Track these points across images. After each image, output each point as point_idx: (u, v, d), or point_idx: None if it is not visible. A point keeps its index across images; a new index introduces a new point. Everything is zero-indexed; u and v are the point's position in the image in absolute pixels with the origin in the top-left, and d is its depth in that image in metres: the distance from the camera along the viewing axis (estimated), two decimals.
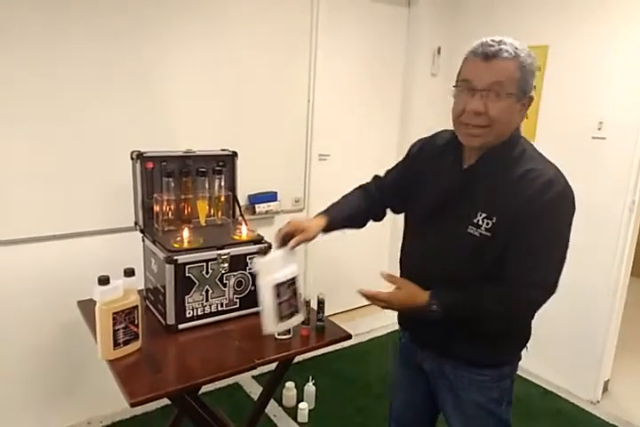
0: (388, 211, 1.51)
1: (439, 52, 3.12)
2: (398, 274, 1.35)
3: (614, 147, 2.39)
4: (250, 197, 2.48)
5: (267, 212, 2.52)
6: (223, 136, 2.22)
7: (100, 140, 2.04)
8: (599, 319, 2.51)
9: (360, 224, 1.49)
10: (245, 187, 2.46)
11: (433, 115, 2.93)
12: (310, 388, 2.47)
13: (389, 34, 3.07)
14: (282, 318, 1.33)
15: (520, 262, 1.16)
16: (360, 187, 1.54)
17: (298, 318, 1.41)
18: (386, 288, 1.25)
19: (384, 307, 1.23)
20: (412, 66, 3.13)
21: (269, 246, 1.62)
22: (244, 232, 1.66)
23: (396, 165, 1.49)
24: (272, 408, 2.45)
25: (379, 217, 1.51)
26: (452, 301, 1.19)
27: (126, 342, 1.39)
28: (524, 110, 1.17)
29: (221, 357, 1.45)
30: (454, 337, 1.28)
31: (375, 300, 1.22)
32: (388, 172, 1.51)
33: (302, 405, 2.38)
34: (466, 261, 1.21)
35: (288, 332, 1.49)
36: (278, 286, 1.30)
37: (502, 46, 1.10)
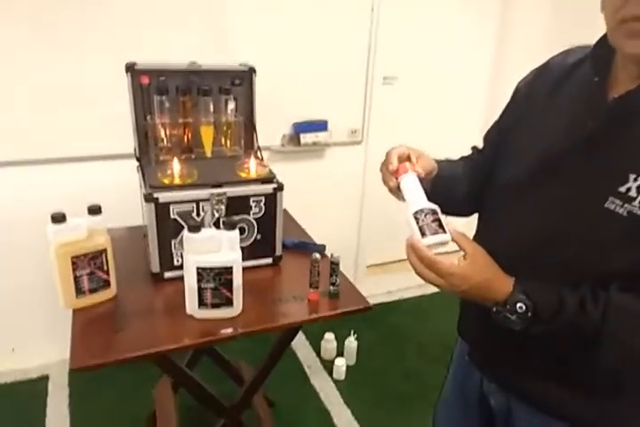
0: None
1: None
2: None
3: None
4: (295, 125, 2.13)
5: (314, 143, 2.16)
6: (260, 49, 1.83)
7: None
8: None
9: (466, 202, 1.02)
10: (292, 113, 2.12)
11: (544, 18, 2.24)
12: (351, 343, 2.22)
13: None
14: (202, 304, 1.15)
15: None
16: (468, 156, 1.08)
17: (228, 311, 1.17)
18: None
19: (437, 285, 0.76)
20: None
21: (280, 187, 1.30)
22: (252, 168, 1.34)
23: (496, 121, 0.99)
24: (308, 359, 2.26)
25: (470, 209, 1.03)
26: (553, 303, 0.72)
27: (93, 290, 1.19)
28: None
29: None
30: (539, 371, 0.83)
31: (427, 266, 0.75)
32: (487, 135, 1.01)
33: (339, 361, 2.15)
34: (596, 258, 0.73)
35: (440, 227, 0.81)
36: (200, 269, 1.10)
37: None
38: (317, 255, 1.22)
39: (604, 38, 0.75)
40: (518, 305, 0.72)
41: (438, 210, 0.79)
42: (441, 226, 0.76)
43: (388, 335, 2.45)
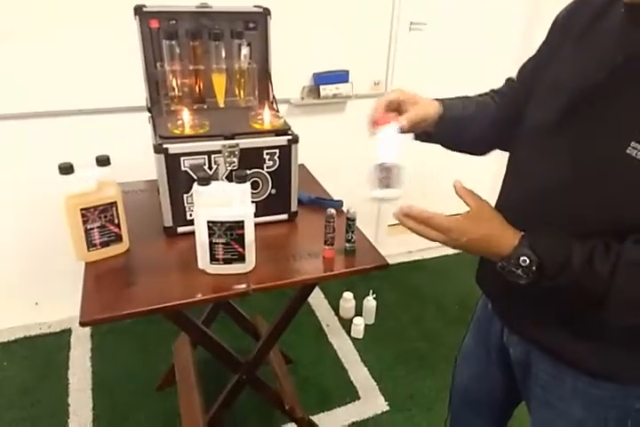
0: None
1: None
2: None
3: None
4: (315, 75, 2.02)
5: (334, 95, 2.05)
6: None
7: None
8: None
9: (480, 142, 0.98)
10: (311, 64, 2.01)
11: None
12: (370, 302, 2.20)
13: None
14: (214, 260, 1.11)
15: None
16: (488, 93, 1.00)
17: (240, 267, 1.13)
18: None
19: (438, 241, 0.76)
20: None
21: (295, 139, 1.23)
22: (266, 119, 1.27)
23: (532, 56, 0.91)
24: (327, 317, 2.25)
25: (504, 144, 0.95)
26: (561, 257, 0.69)
27: (105, 244, 1.16)
28: None
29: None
30: (558, 325, 0.81)
31: (425, 225, 0.75)
32: (522, 69, 0.94)
33: (357, 320, 2.13)
34: (613, 208, 0.70)
35: (392, 183, 0.84)
36: (211, 224, 1.06)
37: None
38: (332, 211, 1.16)
39: None
40: (522, 259, 0.70)
41: (401, 167, 0.80)
42: (398, 182, 0.79)
43: (407, 295, 2.42)
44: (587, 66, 0.74)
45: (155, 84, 1.33)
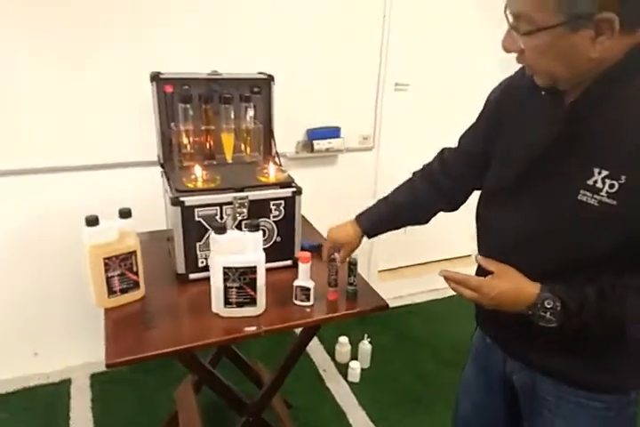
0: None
1: None
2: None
3: None
4: (309, 131, 2.18)
5: (327, 149, 2.21)
6: (272, 60, 1.88)
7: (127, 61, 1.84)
8: None
9: (420, 221, 1.23)
10: (305, 120, 2.17)
11: None
12: (365, 346, 2.25)
13: None
14: (228, 303, 1.20)
15: None
16: (422, 170, 1.22)
17: (251, 310, 1.22)
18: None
19: (474, 299, 0.89)
20: None
21: (298, 191, 1.35)
22: (271, 173, 1.39)
23: (471, 125, 1.12)
24: (323, 362, 2.29)
25: (453, 206, 1.19)
26: (578, 296, 0.81)
27: (124, 291, 1.24)
28: (605, 35, 0.72)
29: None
30: (557, 349, 0.92)
31: (463, 287, 0.89)
32: (462, 137, 1.14)
33: (354, 364, 2.18)
34: (576, 244, 0.83)
35: (307, 299, 1.25)
36: (226, 269, 1.16)
37: None
38: (337, 255, 1.27)
39: None
40: (546, 302, 0.81)
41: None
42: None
43: (400, 339, 2.48)
44: (534, 133, 0.89)
45: (168, 142, 1.46)
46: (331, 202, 2.31)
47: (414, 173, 1.23)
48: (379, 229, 1.26)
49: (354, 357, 2.28)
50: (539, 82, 0.85)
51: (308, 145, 2.19)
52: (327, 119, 2.21)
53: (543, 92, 0.87)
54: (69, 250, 1.95)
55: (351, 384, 2.16)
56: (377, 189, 2.48)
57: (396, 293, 2.78)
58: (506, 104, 1.00)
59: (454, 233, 2.65)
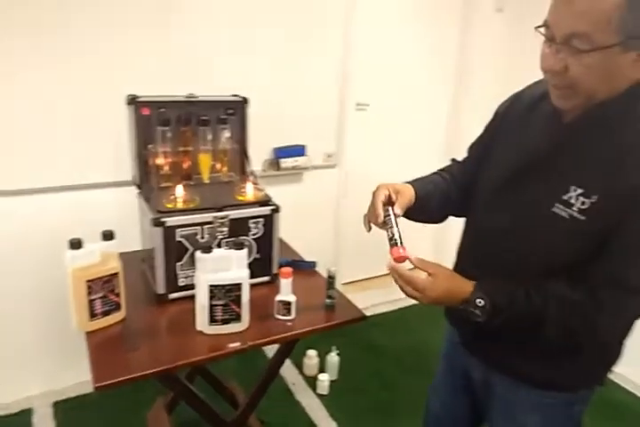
0: None
1: None
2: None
3: None
4: (275, 150, 2.24)
5: (293, 167, 2.27)
6: (240, 81, 1.93)
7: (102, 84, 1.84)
8: None
9: (441, 213, 1.20)
10: (271, 139, 2.23)
11: (498, 60, 2.51)
12: (333, 358, 2.30)
13: None
14: (213, 321, 1.23)
15: (617, 260, 0.85)
16: (439, 171, 1.23)
17: (237, 326, 1.25)
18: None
19: (414, 298, 0.94)
20: None
21: (277, 209, 1.40)
22: (249, 192, 1.44)
23: (479, 136, 1.17)
24: (292, 376, 2.32)
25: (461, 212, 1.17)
26: (505, 296, 0.90)
27: (106, 313, 1.24)
28: None
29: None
30: (512, 348, 1.00)
31: (408, 285, 0.93)
32: (471, 148, 1.19)
33: (322, 376, 2.22)
34: (543, 253, 0.92)
35: (288, 313, 1.29)
36: (212, 287, 1.18)
37: None
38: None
39: None
40: (477, 301, 0.91)
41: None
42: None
43: (365, 349, 2.55)
44: (525, 146, 0.98)
45: (144, 163, 1.47)
46: (297, 218, 2.36)
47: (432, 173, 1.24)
48: (421, 198, 1.10)
49: (321, 369, 2.32)
50: (560, 104, 0.88)
51: (274, 163, 2.24)
52: (293, 138, 2.28)
53: (550, 109, 0.92)
54: (34, 273, 1.90)
55: (320, 396, 2.20)
56: (339, 204, 2.56)
57: (360, 304, 2.84)
58: (508, 113, 1.07)
59: (415, 244, 2.76)
